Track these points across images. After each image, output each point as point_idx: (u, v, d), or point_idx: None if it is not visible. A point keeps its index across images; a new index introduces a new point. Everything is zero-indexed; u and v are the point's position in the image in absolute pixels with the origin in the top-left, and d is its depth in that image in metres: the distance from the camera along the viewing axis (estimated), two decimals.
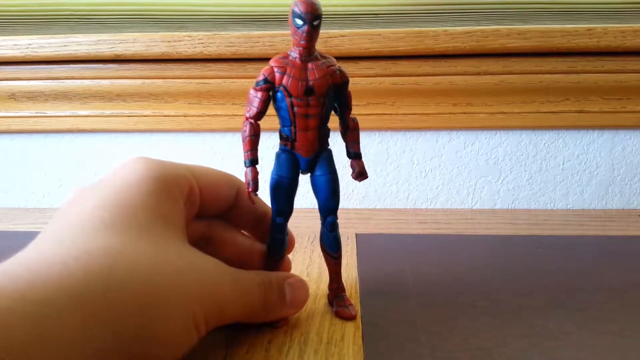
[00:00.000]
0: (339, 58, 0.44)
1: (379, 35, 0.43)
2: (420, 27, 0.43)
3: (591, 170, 0.48)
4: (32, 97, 0.47)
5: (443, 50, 0.43)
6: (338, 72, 0.24)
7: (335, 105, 0.25)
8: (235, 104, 0.46)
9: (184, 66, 0.45)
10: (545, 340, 0.24)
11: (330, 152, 0.25)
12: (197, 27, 0.46)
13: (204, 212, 0.25)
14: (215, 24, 0.46)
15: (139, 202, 0.20)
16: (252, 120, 0.24)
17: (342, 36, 0.43)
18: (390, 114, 0.46)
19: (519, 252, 0.36)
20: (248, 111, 0.24)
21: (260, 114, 0.24)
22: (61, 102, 0.47)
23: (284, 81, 0.23)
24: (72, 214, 0.20)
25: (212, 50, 0.43)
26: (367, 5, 0.46)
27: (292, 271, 0.28)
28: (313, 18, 0.22)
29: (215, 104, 0.46)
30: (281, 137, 0.25)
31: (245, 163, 0.24)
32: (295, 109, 0.23)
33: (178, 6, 0.46)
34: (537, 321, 0.26)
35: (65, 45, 0.44)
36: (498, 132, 0.47)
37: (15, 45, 0.45)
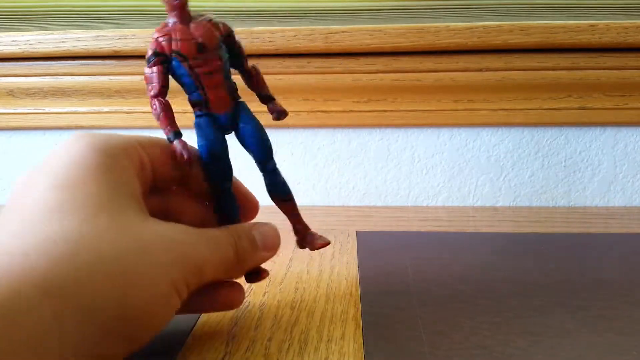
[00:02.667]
0: (340, 54, 0.44)
1: (380, 31, 0.43)
2: (422, 23, 0.43)
3: (593, 167, 0.47)
4: (31, 93, 0.47)
5: (445, 46, 0.43)
6: (220, 24, 0.23)
7: (232, 60, 0.24)
8: None
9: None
10: (546, 338, 0.24)
11: (244, 103, 0.25)
12: None
13: (159, 181, 0.24)
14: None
15: (90, 179, 0.19)
16: (159, 98, 0.22)
17: (342, 32, 0.43)
18: (392, 111, 0.46)
19: (521, 250, 0.35)
20: (150, 90, 0.22)
21: (163, 88, 0.22)
22: (60, 99, 0.47)
23: (174, 46, 0.22)
24: (21, 202, 0.19)
25: None
26: (368, 1, 0.46)
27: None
28: None
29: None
30: (193, 105, 0.24)
31: (169, 139, 0.23)
32: (197, 70, 0.22)
33: None
34: (538, 319, 0.26)
35: (63, 42, 0.44)
36: (500, 128, 0.47)
37: (13, 41, 0.44)
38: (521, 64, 0.44)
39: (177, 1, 0.21)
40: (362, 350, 0.23)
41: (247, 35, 0.43)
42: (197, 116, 0.24)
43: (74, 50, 0.44)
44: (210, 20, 0.23)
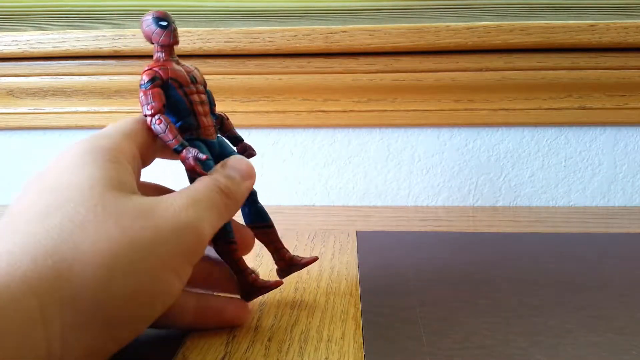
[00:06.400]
0: (340, 54, 0.44)
1: (380, 31, 0.43)
2: (422, 23, 0.43)
3: (593, 167, 0.47)
4: (31, 93, 0.47)
5: (445, 46, 0.43)
6: (198, 71, 0.26)
7: None
8: (235, 100, 0.46)
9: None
10: (546, 338, 0.24)
11: (222, 138, 0.27)
12: (196, 23, 0.46)
13: (147, 157, 0.24)
14: (215, 19, 0.46)
15: (78, 178, 0.20)
16: (160, 114, 0.23)
17: (343, 32, 0.43)
18: (392, 111, 0.46)
19: (521, 250, 0.35)
20: (150, 108, 0.23)
21: (164, 107, 0.23)
22: (60, 99, 0.47)
23: (171, 74, 0.24)
24: (13, 207, 0.20)
25: (212, 46, 0.43)
26: (368, 1, 0.46)
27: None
28: (171, 19, 0.24)
29: (214, 100, 0.46)
30: (184, 129, 0.24)
31: (177, 150, 0.23)
32: (191, 97, 0.24)
33: (177, 1, 0.46)
34: (538, 319, 0.26)
35: (63, 41, 0.44)
36: (500, 128, 0.47)
37: (13, 41, 0.44)
38: (521, 63, 0.44)
39: (174, 39, 0.24)
40: (362, 350, 0.23)
41: (246, 35, 0.43)
42: (186, 139, 0.24)
43: (74, 50, 0.44)
44: (191, 67, 0.25)
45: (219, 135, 0.26)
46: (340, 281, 0.30)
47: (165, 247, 0.19)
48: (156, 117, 0.23)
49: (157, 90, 0.23)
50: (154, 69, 0.23)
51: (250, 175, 0.24)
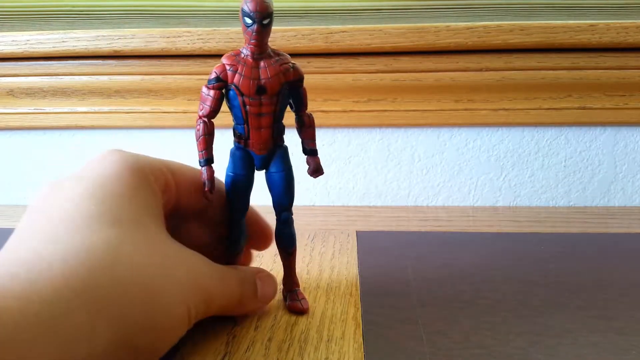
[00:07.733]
0: (340, 54, 0.44)
1: (380, 31, 0.43)
2: (422, 23, 0.43)
3: (593, 167, 0.47)
4: (31, 93, 0.47)
5: (445, 46, 0.43)
6: (292, 69, 0.23)
7: (291, 101, 0.25)
8: None
9: (183, 62, 0.44)
10: (546, 338, 0.24)
11: (285, 148, 0.25)
12: (197, 23, 0.46)
13: (181, 207, 0.25)
14: (215, 19, 0.46)
15: (124, 194, 0.20)
16: (206, 119, 0.23)
17: (342, 32, 0.43)
18: (392, 111, 0.46)
19: (521, 250, 0.35)
20: (201, 109, 0.23)
21: (214, 112, 0.23)
22: (60, 99, 0.47)
23: (235, 80, 0.22)
24: (54, 209, 0.19)
25: (212, 46, 0.43)
26: (368, 1, 0.46)
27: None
28: (262, 17, 0.21)
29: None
30: (235, 135, 0.24)
31: (200, 162, 0.23)
32: (248, 107, 0.23)
33: (177, 2, 0.46)
34: (538, 319, 0.26)
35: (63, 41, 0.44)
36: (500, 128, 0.47)
37: (13, 41, 0.44)
38: (521, 63, 0.44)
39: (253, 41, 0.22)
40: (362, 350, 0.23)
41: None
42: (235, 146, 0.24)
43: (74, 50, 0.44)
44: (283, 64, 0.23)
45: (283, 145, 0.25)
46: (340, 281, 0.30)
47: (191, 292, 0.20)
48: (200, 121, 0.23)
49: (216, 92, 0.23)
50: (226, 65, 0.23)
51: (267, 301, 0.25)
